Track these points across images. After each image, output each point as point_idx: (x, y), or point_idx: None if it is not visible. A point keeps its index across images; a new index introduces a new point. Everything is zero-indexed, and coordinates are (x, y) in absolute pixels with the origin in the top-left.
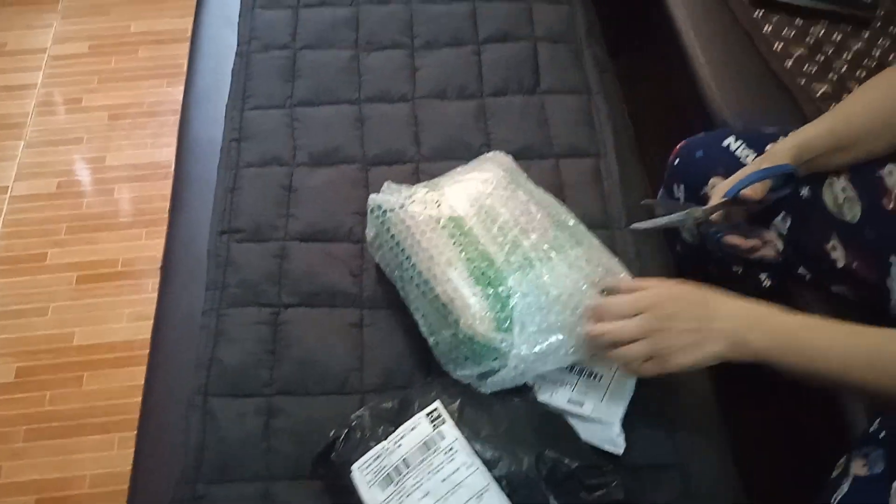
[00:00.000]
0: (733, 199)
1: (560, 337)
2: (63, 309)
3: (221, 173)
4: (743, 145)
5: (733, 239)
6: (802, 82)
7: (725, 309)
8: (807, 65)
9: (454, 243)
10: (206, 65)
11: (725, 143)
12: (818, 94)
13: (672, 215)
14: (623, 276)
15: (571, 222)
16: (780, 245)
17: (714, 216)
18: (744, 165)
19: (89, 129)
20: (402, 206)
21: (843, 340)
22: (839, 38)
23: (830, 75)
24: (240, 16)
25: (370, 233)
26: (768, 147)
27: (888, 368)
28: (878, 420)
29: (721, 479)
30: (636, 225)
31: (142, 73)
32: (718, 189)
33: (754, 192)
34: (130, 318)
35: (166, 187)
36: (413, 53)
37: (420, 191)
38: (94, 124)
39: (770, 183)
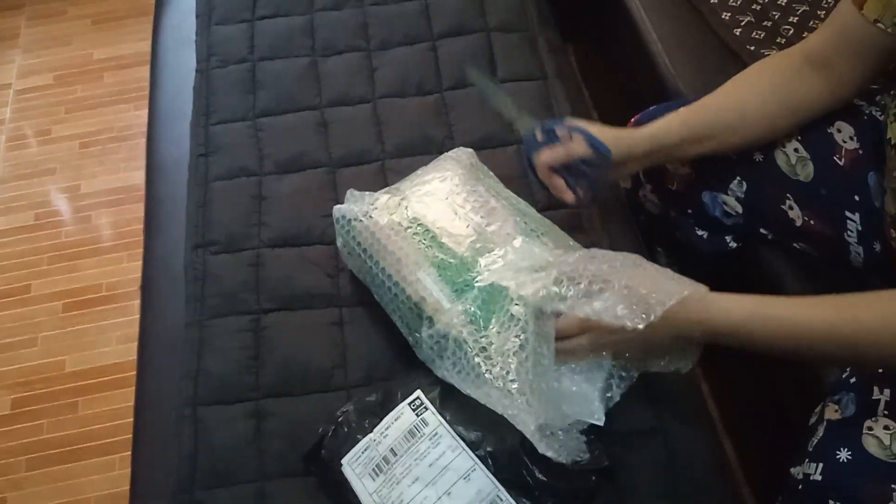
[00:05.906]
0: (541, 127)
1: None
2: (52, 338)
3: (191, 189)
4: None
5: (541, 156)
6: (752, 48)
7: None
8: (755, 31)
9: (420, 244)
10: (168, 85)
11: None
12: None
13: (490, 85)
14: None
15: (532, 212)
16: (582, 195)
17: (537, 132)
18: None
19: (61, 159)
20: (366, 214)
21: (789, 319)
22: (785, 1)
23: (779, 39)
24: (197, 34)
25: (339, 241)
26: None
27: (836, 339)
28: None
29: (704, 439)
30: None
31: (108, 99)
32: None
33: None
34: (119, 340)
35: (143, 209)
36: (370, 55)
37: (382, 197)
38: (66, 154)
39: (574, 144)
